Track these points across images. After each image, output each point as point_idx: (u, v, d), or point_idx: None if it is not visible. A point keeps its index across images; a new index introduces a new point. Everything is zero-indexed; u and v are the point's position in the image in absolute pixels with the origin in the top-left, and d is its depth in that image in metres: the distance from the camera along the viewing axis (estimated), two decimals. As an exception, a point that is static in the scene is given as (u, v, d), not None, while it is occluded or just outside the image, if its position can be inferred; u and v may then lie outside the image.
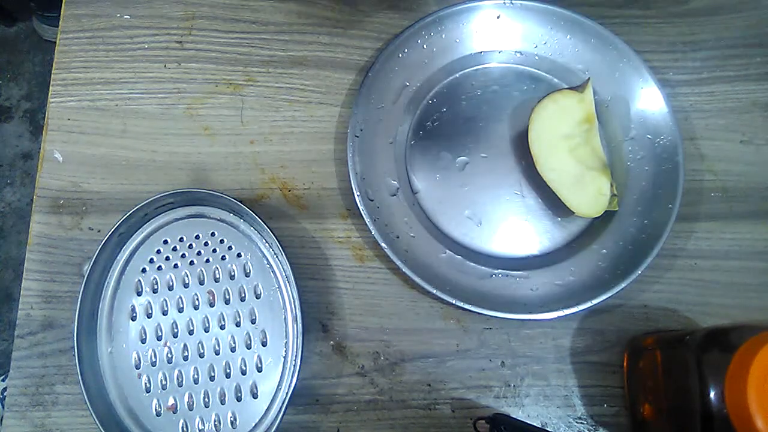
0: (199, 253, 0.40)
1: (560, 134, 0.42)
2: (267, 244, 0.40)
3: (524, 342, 0.41)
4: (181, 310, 0.39)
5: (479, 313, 0.38)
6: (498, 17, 0.46)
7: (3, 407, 0.73)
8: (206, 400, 0.38)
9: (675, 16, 0.48)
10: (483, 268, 0.42)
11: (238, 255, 0.40)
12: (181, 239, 0.40)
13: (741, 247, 0.43)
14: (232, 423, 0.37)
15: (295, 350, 0.37)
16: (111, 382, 0.38)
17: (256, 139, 0.45)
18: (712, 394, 0.30)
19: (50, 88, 0.46)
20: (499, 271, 0.42)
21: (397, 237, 0.41)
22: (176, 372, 0.38)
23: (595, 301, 0.39)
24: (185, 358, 0.38)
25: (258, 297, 0.39)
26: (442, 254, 0.42)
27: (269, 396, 0.37)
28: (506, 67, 0.46)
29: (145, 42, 0.47)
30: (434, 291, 0.39)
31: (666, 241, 0.40)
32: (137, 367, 0.38)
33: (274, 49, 0.47)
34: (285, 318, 0.39)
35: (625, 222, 0.42)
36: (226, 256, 0.40)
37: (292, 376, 0.36)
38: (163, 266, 0.40)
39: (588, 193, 0.41)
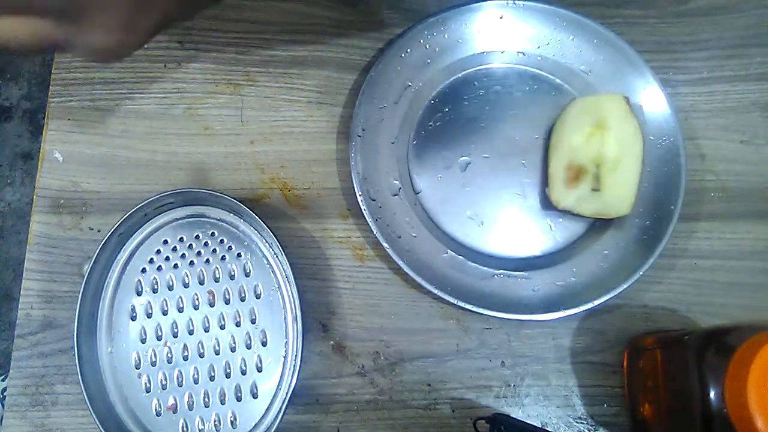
0: (199, 253, 0.40)
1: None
2: (267, 244, 0.40)
3: (524, 342, 0.41)
4: (181, 310, 0.39)
5: (480, 314, 0.38)
6: (501, 17, 0.46)
7: (3, 407, 0.73)
8: (206, 400, 0.38)
9: (675, 16, 0.48)
10: (484, 268, 0.42)
11: (238, 255, 0.40)
12: (181, 239, 0.40)
13: (741, 247, 0.43)
14: (232, 423, 0.37)
15: (295, 350, 0.37)
16: (111, 382, 0.38)
17: (256, 139, 0.45)
18: (712, 394, 0.30)
19: (50, 88, 0.46)
20: (501, 271, 0.41)
21: (399, 237, 0.41)
22: (176, 372, 0.38)
23: (596, 302, 0.39)
24: (185, 358, 0.38)
25: (258, 297, 0.39)
26: (444, 254, 0.42)
27: (269, 396, 0.37)
28: (509, 68, 0.46)
29: (145, 42, 0.47)
30: (436, 291, 0.39)
31: (666, 242, 0.40)
32: (137, 367, 0.38)
33: (274, 49, 0.47)
34: (285, 318, 0.39)
35: (627, 223, 0.42)
36: (226, 256, 0.40)
37: (292, 376, 0.36)
38: (163, 266, 0.40)
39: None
